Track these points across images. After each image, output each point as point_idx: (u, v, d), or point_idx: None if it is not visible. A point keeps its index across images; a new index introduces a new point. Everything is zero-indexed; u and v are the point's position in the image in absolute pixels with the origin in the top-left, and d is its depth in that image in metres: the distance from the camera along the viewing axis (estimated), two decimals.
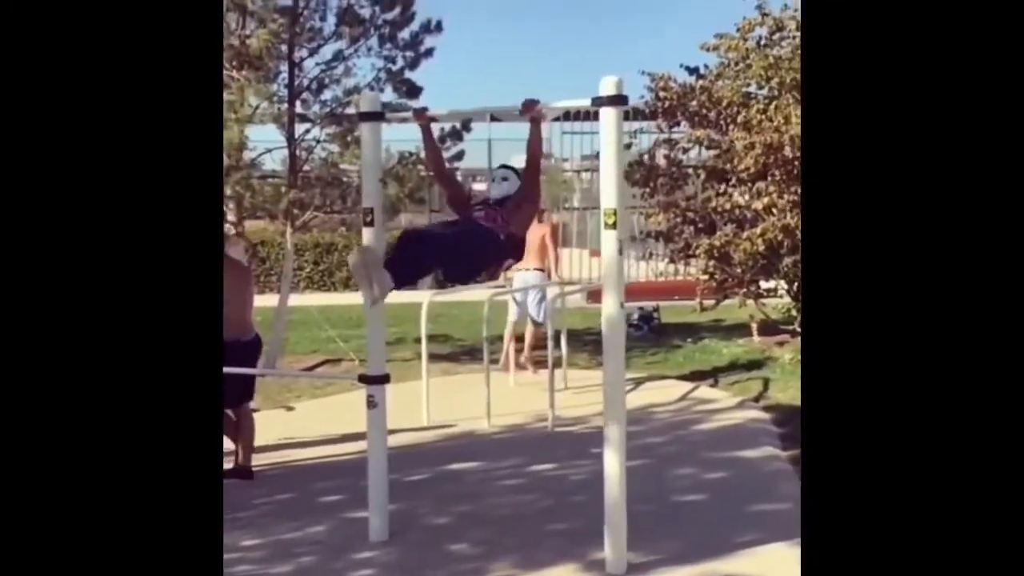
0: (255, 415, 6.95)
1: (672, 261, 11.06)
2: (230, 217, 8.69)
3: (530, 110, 3.95)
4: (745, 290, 9.92)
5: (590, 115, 3.79)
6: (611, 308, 3.86)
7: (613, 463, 3.89)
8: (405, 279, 3.74)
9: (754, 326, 10.38)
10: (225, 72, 8.45)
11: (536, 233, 8.10)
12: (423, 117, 4.38)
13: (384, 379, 4.32)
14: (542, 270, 8.30)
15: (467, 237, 3.97)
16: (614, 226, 3.80)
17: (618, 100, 3.74)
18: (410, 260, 3.76)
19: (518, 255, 4.23)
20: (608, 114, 3.75)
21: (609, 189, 3.80)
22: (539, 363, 8.45)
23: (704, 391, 7.94)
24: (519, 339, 8.60)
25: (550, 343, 6.86)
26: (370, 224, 4.24)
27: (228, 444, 5.52)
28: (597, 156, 4.03)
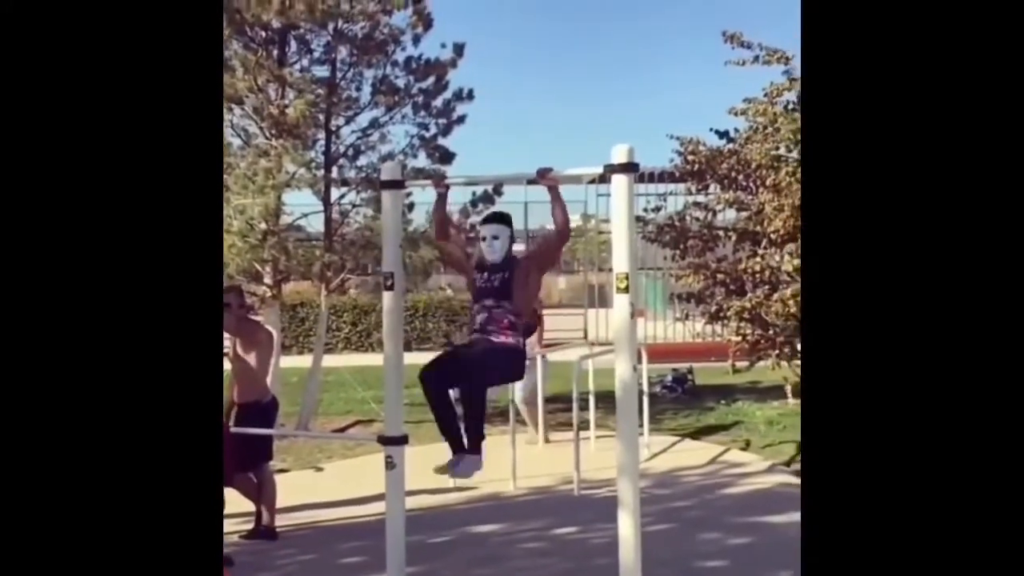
0: (285, 475, 7.05)
1: (709, 322, 11.02)
2: (266, 280, 8.89)
3: (544, 177, 4.05)
4: (778, 352, 9.84)
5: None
6: (624, 369, 3.89)
7: (628, 526, 3.88)
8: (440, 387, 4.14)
9: (788, 388, 10.26)
10: (264, 140, 8.75)
11: None
12: (441, 184, 4.49)
13: (402, 440, 4.37)
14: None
15: (492, 356, 4.12)
16: (626, 290, 3.85)
17: (629, 168, 3.82)
18: (442, 375, 4.12)
19: (534, 329, 4.27)
20: (620, 181, 3.83)
21: (621, 254, 3.86)
22: (569, 424, 8.41)
23: (735, 454, 7.85)
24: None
25: (575, 404, 6.85)
26: (390, 288, 4.35)
27: (251, 505, 5.59)
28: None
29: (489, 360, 4.14)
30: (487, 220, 4.36)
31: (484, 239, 4.26)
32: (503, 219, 4.37)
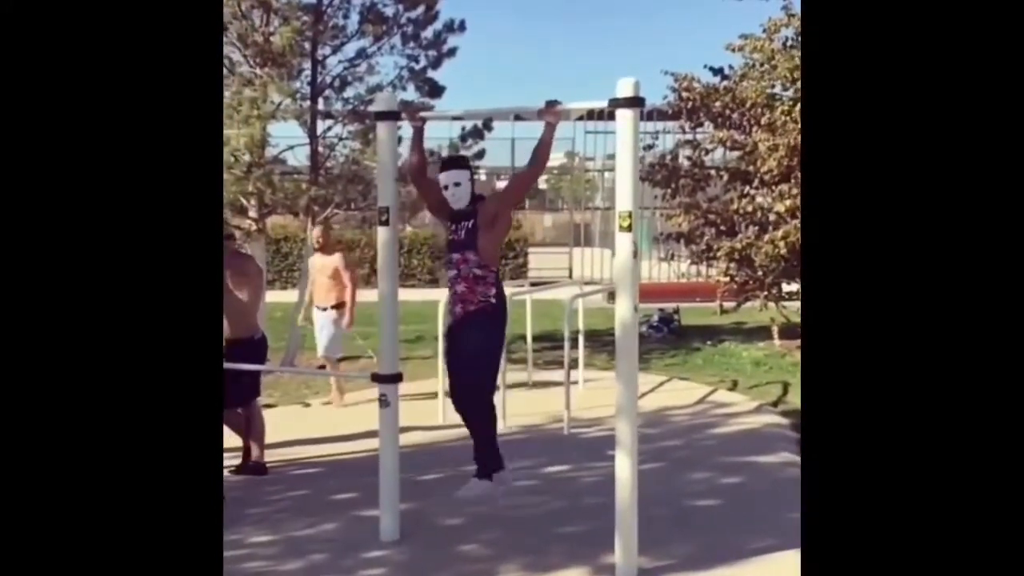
0: (272, 411, 7.01)
1: (694, 263, 11.01)
2: (251, 213, 8.73)
3: (551, 111, 3.91)
4: (766, 293, 9.85)
5: (613, 115, 3.75)
6: (625, 310, 3.84)
7: (625, 466, 3.86)
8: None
9: (775, 329, 10.29)
10: (248, 69, 8.51)
11: (327, 265, 7.41)
12: (415, 117, 4.32)
13: (396, 378, 4.31)
14: (335, 307, 7.42)
15: (466, 352, 4.12)
16: (629, 228, 3.77)
17: (635, 102, 3.71)
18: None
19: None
20: (625, 116, 3.72)
21: (625, 191, 3.77)
22: (555, 363, 8.40)
23: (722, 394, 7.88)
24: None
25: (566, 344, 6.80)
26: (385, 223, 4.24)
27: (239, 441, 5.53)
28: None
29: (464, 362, 4.12)
30: (444, 167, 4.15)
31: (446, 188, 4.10)
32: (460, 163, 4.20)
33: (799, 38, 9.29)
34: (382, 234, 4.26)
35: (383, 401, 4.27)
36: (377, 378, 4.31)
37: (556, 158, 27.63)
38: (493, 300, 4.08)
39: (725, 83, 9.68)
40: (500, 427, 6.34)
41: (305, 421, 7.05)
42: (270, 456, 5.67)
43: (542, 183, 37.26)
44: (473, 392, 4.13)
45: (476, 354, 4.10)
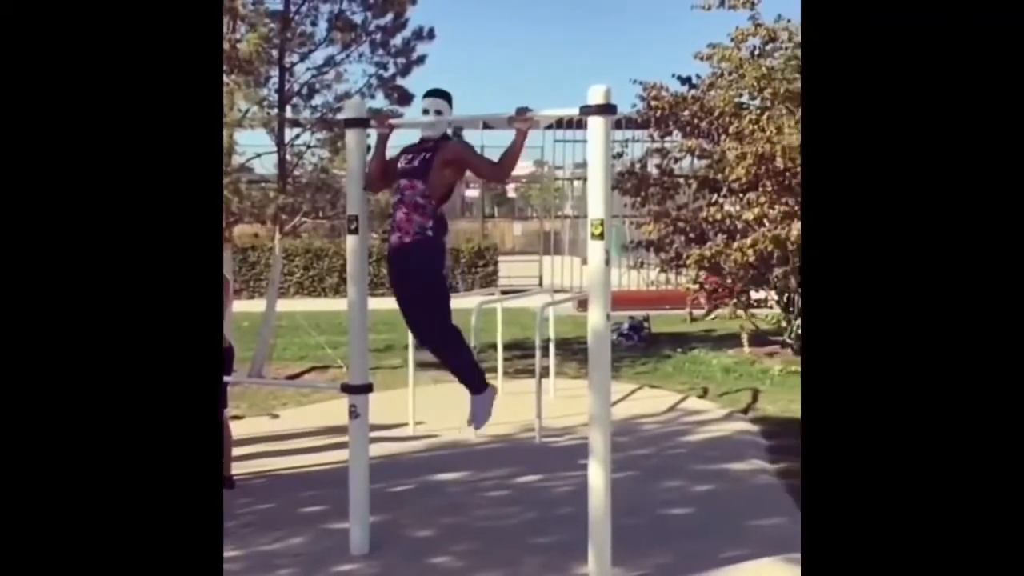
0: (240, 422, 6.90)
1: (663, 270, 11.04)
2: None
3: (522, 118, 3.88)
4: (735, 300, 9.90)
5: (583, 123, 3.72)
6: (597, 318, 3.82)
7: (598, 475, 3.83)
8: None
9: (744, 337, 10.35)
10: None
11: None
12: (384, 124, 4.29)
13: (367, 389, 4.25)
14: None
15: (412, 292, 4.09)
16: (601, 236, 3.75)
17: (607, 109, 3.69)
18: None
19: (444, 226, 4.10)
20: (596, 123, 3.70)
21: (597, 199, 3.75)
22: (526, 371, 8.38)
23: (693, 402, 7.89)
24: None
25: (537, 352, 6.77)
26: (354, 232, 4.19)
27: None
28: None
29: (412, 305, 4.09)
30: (430, 94, 4.13)
31: (426, 112, 4.08)
32: (446, 96, 4.15)
33: (766, 47, 9.37)
34: (351, 243, 4.21)
35: (353, 412, 4.21)
36: (347, 388, 4.25)
37: (525, 166, 27.58)
38: (429, 233, 4.01)
39: (693, 92, 9.73)
40: (470, 436, 6.29)
41: (274, 432, 6.93)
42: (238, 468, 5.57)
43: (511, 191, 37.28)
44: (430, 332, 4.17)
45: (421, 297, 4.08)
